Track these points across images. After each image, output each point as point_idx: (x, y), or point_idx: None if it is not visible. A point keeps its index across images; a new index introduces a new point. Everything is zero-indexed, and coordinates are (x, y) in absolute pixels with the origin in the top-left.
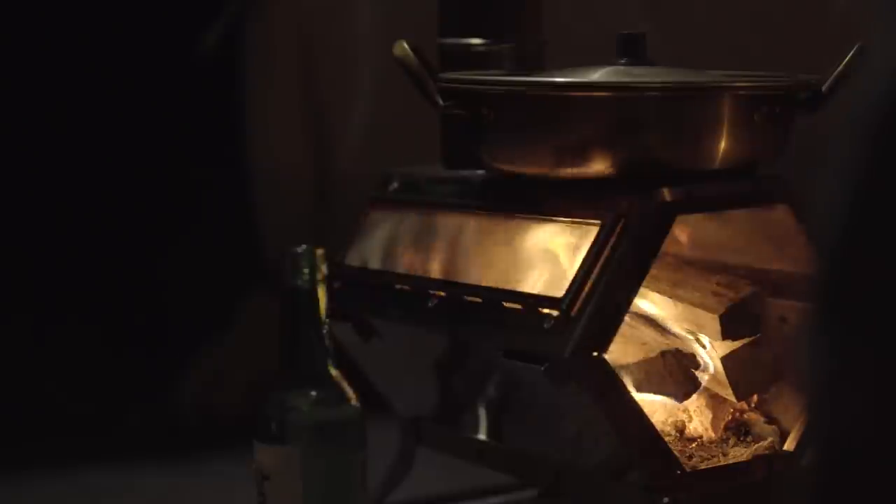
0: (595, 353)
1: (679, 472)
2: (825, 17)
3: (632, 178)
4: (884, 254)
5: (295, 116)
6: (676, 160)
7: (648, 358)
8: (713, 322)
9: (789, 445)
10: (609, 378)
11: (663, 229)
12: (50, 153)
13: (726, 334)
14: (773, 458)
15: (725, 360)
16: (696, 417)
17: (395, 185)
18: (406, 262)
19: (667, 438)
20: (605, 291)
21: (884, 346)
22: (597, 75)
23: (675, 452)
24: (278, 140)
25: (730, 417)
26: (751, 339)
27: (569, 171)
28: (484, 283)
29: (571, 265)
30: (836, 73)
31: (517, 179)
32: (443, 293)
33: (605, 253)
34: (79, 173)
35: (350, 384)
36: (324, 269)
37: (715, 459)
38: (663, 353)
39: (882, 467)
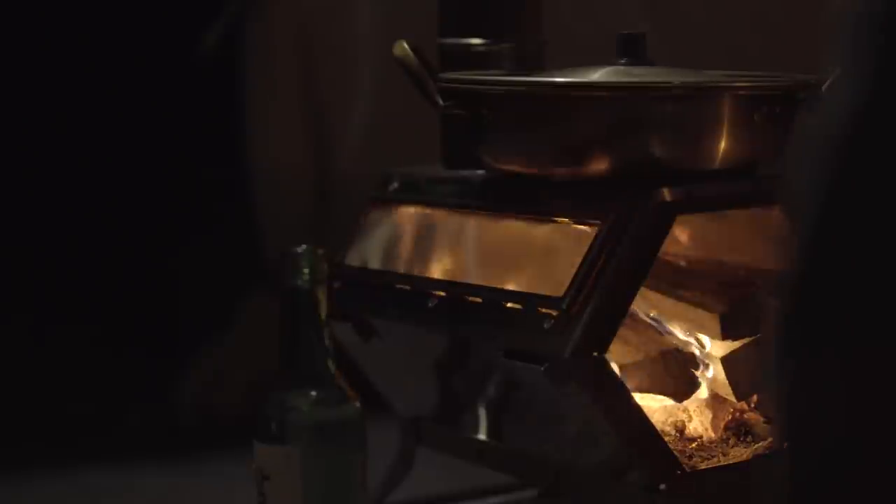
0: (595, 353)
1: (679, 472)
2: (823, 17)
3: (632, 178)
4: (853, 255)
5: (295, 116)
6: (676, 160)
7: (648, 358)
8: (713, 322)
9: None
10: (609, 378)
11: (663, 229)
12: (49, 153)
13: (726, 334)
14: (773, 458)
15: (725, 360)
16: (696, 417)
17: (395, 185)
18: (406, 262)
19: (667, 438)
20: (605, 291)
21: (852, 347)
22: (597, 75)
23: (675, 452)
24: (278, 140)
25: (730, 417)
26: (751, 339)
27: (569, 171)
28: (484, 283)
29: (571, 265)
30: (836, 73)
31: (517, 179)
32: (443, 293)
33: (605, 253)
34: (78, 174)
35: (350, 384)
36: (324, 269)
37: (715, 459)
38: (663, 353)
39: (855, 467)
